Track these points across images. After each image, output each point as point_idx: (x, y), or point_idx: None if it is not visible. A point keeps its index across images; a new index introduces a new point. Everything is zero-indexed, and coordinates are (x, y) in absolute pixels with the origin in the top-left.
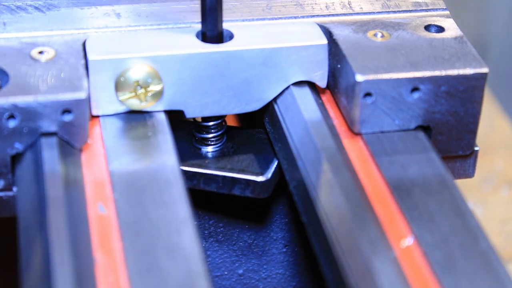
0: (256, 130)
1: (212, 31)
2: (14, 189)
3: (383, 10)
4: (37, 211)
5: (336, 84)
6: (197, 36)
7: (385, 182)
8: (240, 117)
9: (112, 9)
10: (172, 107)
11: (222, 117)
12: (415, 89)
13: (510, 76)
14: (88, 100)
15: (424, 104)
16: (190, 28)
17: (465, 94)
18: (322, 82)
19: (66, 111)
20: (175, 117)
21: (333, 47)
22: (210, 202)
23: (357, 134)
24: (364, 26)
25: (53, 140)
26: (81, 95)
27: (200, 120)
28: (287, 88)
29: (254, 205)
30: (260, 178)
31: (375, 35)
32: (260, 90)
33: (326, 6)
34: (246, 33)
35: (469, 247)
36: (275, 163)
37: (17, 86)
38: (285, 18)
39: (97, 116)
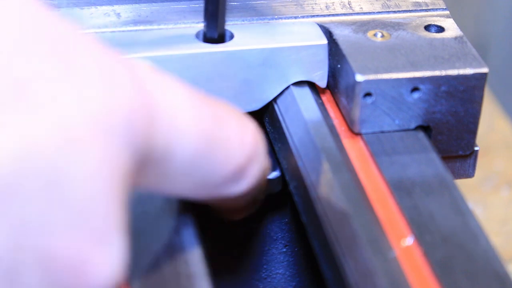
0: None
1: (214, 32)
2: None
3: (383, 10)
4: None
5: (336, 84)
6: (197, 36)
7: (385, 182)
8: None
9: (112, 9)
10: None
11: None
12: (415, 89)
13: (510, 76)
14: None
15: (424, 104)
16: (190, 28)
17: (465, 94)
18: (322, 82)
19: None
20: None
21: (333, 47)
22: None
23: (357, 134)
24: (364, 26)
25: None
26: None
27: None
28: (287, 88)
29: None
30: (272, 175)
31: (375, 35)
32: (260, 90)
33: (326, 6)
34: (246, 33)
35: (469, 247)
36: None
37: None
38: (285, 18)
39: None
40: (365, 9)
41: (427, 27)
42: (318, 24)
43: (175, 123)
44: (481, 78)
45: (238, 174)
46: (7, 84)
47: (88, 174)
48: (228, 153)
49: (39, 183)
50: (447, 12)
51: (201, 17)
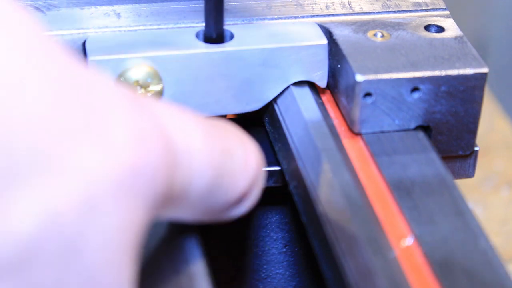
0: (257, 130)
1: (213, 32)
2: None
3: (383, 10)
4: None
5: (336, 84)
6: (197, 36)
7: (385, 182)
8: (240, 117)
9: (112, 9)
10: None
11: (222, 117)
12: (415, 89)
13: (510, 76)
14: None
15: (424, 104)
16: (190, 28)
17: (465, 94)
18: (322, 82)
19: None
20: None
21: (333, 47)
22: None
23: (357, 134)
24: (364, 26)
25: None
26: None
27: None
28: (287, 88)
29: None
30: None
31: (375, 35)
32: (260, 90)
33: (326, 6)
34: (246, 33)
35: (469, 247)
36: None
37: None
38: (285, 18)
39: None
40: (365, 9)
41: (427, 27)
42: (318, 24)
43: (192, 163)
44: (481, 78)
45: (240, 199)
46: (29, 145)
47: (106, 241)
48: (234, 182)
49: (57, 251)
50: (447, 12)
51: (201, 17)
